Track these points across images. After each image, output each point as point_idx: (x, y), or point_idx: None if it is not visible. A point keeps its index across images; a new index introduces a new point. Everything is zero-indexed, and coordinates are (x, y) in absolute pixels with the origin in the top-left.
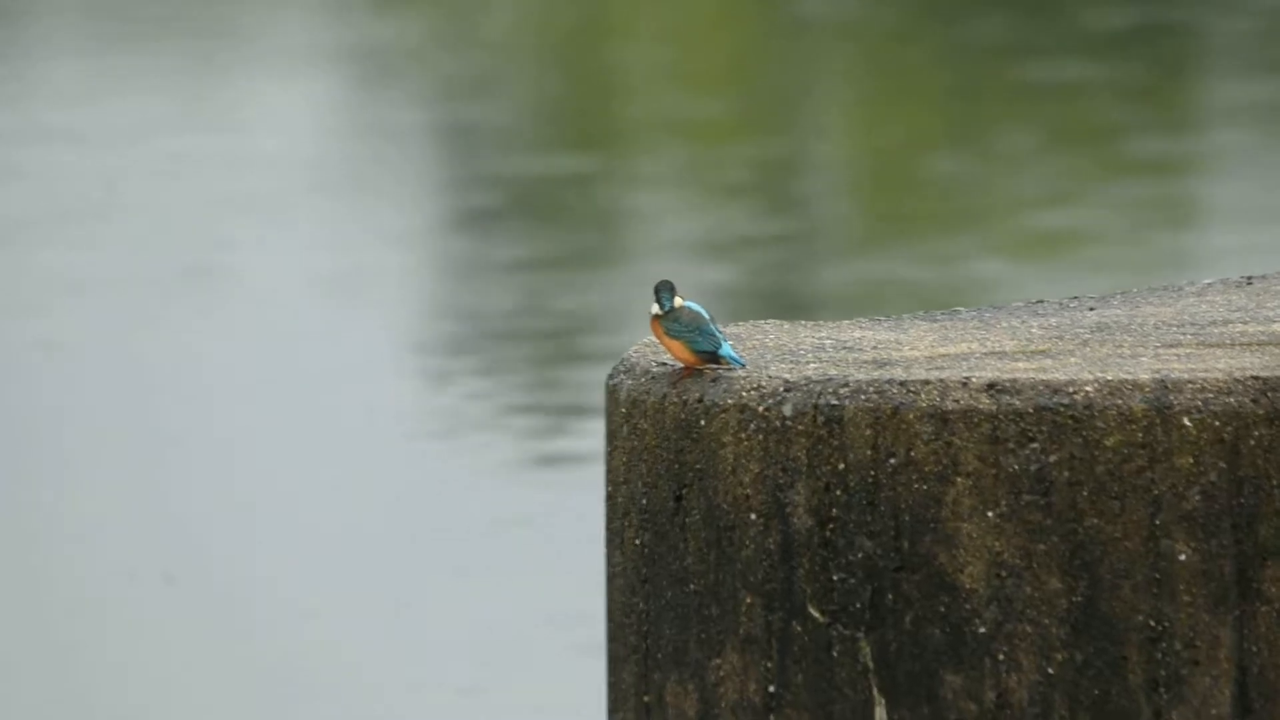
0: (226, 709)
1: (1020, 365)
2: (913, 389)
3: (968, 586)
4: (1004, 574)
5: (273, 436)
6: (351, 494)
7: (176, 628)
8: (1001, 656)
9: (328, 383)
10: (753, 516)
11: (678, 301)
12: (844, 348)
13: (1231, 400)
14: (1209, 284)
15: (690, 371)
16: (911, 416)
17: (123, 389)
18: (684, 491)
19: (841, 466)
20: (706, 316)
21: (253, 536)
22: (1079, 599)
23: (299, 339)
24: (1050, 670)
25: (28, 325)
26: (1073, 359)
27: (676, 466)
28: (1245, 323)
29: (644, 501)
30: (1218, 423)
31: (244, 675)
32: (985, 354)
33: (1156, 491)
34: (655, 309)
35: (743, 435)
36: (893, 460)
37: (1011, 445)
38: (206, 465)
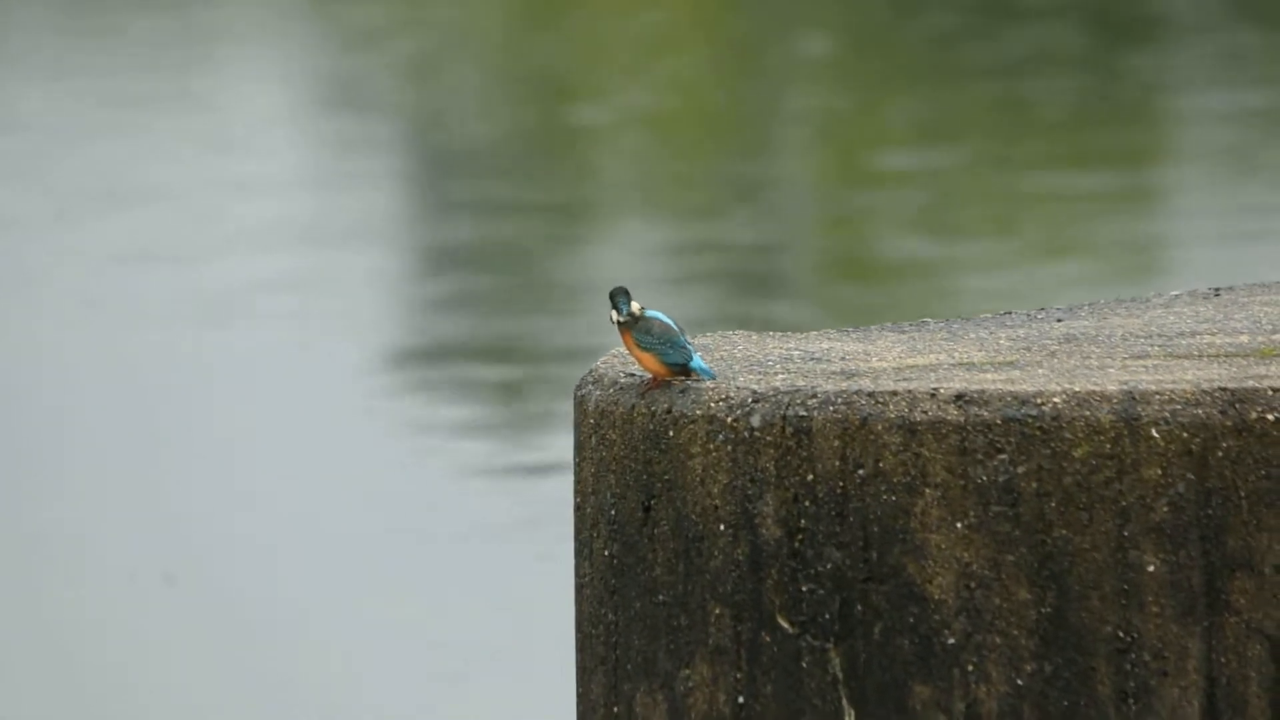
0: (226, 709)
1: (988, 376)
2: (881, 400)
3: (937, 597)
4: (973, 585)
5: (272, 437)
6: (351, 494)
7: (176, 628)
8: (971, 667)
9: (327, 384)
10: (721, 527)
11: (635, 306)
12: (812, 359)
13: (1199, 412)
14: (1177, 295)
15: (658, 382)
16: (880, 427)
17: (123, 389)
18: (652, 502)
19: (810, 477)
20: (676, 328)
21: (253, 536)
22: (1048, 610)
23: (299, 339)
24: (1019, 681)
25: (28, 327)
26: (1041, 370)
27: (645, 477)
28: (1213, 334)
29: (612, 512)
30: (1186, 434)
31: (244, 676)
32: (953, 365)
33: (1125, 503)
34: (614, 315)
35: (711, 446)
36: (861, 471)
37: (980, 456)
38: (206, 465)
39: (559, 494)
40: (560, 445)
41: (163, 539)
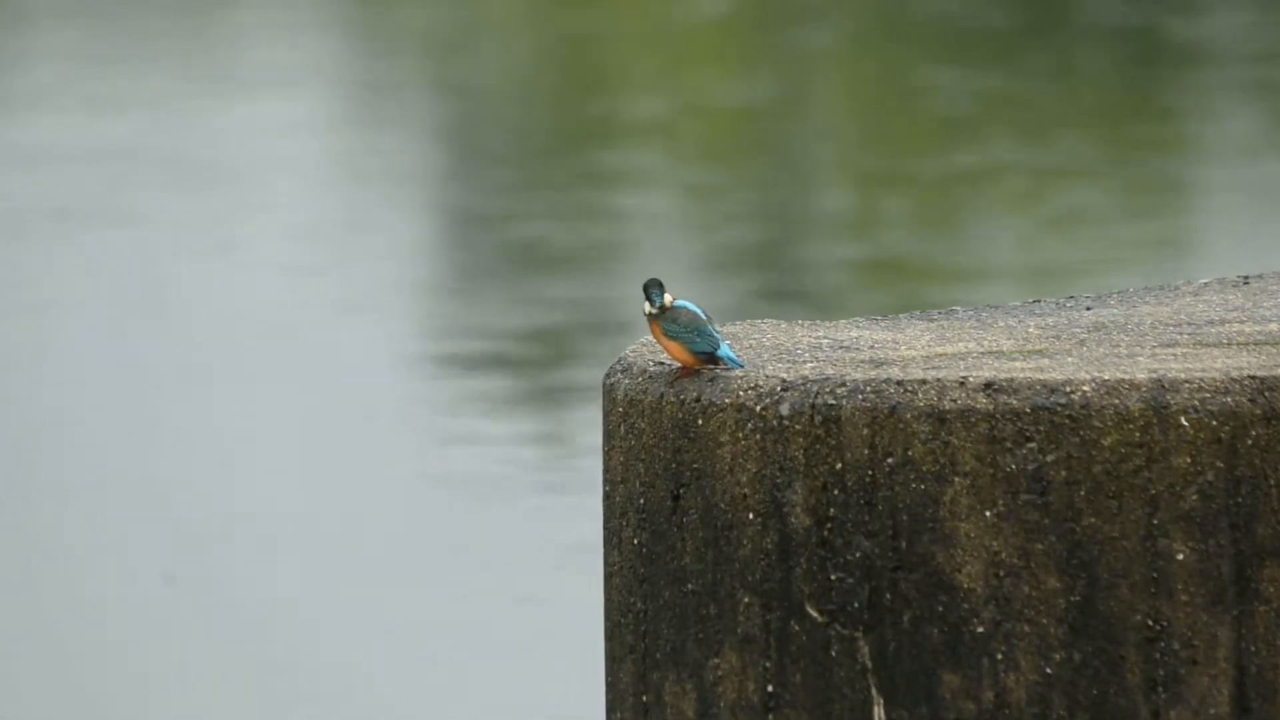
0: (226, 709)
1: (1017, 365)
2: (910, 388)
3: (966, 586)
4: (1002, 573)
5: (273, 437)
6: (352, 494)
7: (176, 628)
8: (1000, 656)
9: (328, 382)
10: (750, 516)
11: (668, 299)
12: (841, 347)
13: (1229, 400)
14: (1206, 283)
15: (687, 371)
16: (909, 416)
17: (123, 389)
18: (682, 491)
19: (839, 466)
20: (704, 317)
21: (253, 536)
22: (1077, 598)
23: (300, 339)
24: (1048, 670)
25: (27, 325)
26: (1070, 358)
27: (674, 466)
28: (1242, 322)
29: (641, 501)
30: (1215, 422)
31: (244, 675)
32: (982, 353)
33: (1154, 491)
34: (647, 307)
35: (740, 435)
36: (890, 460)
37: (1009, 445)
38: (206, 465)
39: (576, 484)
40: (571, 433)
41: (163, 539)
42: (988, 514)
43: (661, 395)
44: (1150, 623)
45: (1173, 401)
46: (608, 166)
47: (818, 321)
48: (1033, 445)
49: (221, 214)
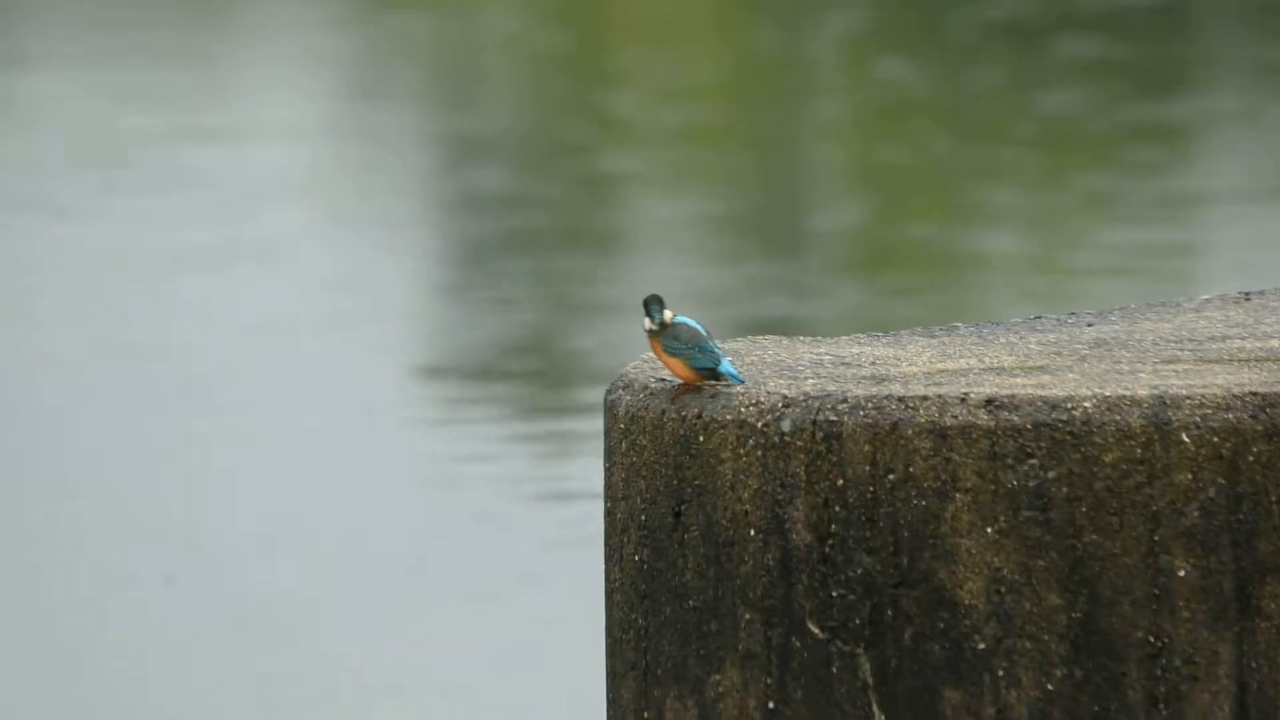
0: (226, 710)
1: (1019, 381)
2: (911, 405)
3: (967, 602)
4: (1003, 590)
5: (273, 438)
6: (352, 495)
7: (176, 628)
8: (1001, 673)
9: (329, 383)
10: (752, 532)
11: (668, 315)
12: (843, 363)
13: (1230, 416)
14: (1207, 300)
15: (689, 387)
16: (910, 432)
17: (123, 390)
18: (683, 507)
19: (840, 482)
20: (704, 333)
21: (253, 536)
22: (1078, 615)
23: (301, 340)
24: (1049, 686)
25: (28, 326)
26: (1071, 375)
27: (675, 482)
28: (1243, 338)
29: (643, 517)
30: (1216, 439)
31: (244, 676)
32: (984, 370)
33: (1155, 507)
34: (647, 323)
35: (741, 451)
36: (892, 476)
37: (1010, 461)
38: (206, 465)
39: (577, 498)
40: (576, 450)
41: (163, 539)
42: (989, 530)
43: (663, 411)
44: (1151, 639)
45: (1174, 418)
46: (610, 173)
47: (819, 338)
48: (1034, 461)
49: (222, 214)
